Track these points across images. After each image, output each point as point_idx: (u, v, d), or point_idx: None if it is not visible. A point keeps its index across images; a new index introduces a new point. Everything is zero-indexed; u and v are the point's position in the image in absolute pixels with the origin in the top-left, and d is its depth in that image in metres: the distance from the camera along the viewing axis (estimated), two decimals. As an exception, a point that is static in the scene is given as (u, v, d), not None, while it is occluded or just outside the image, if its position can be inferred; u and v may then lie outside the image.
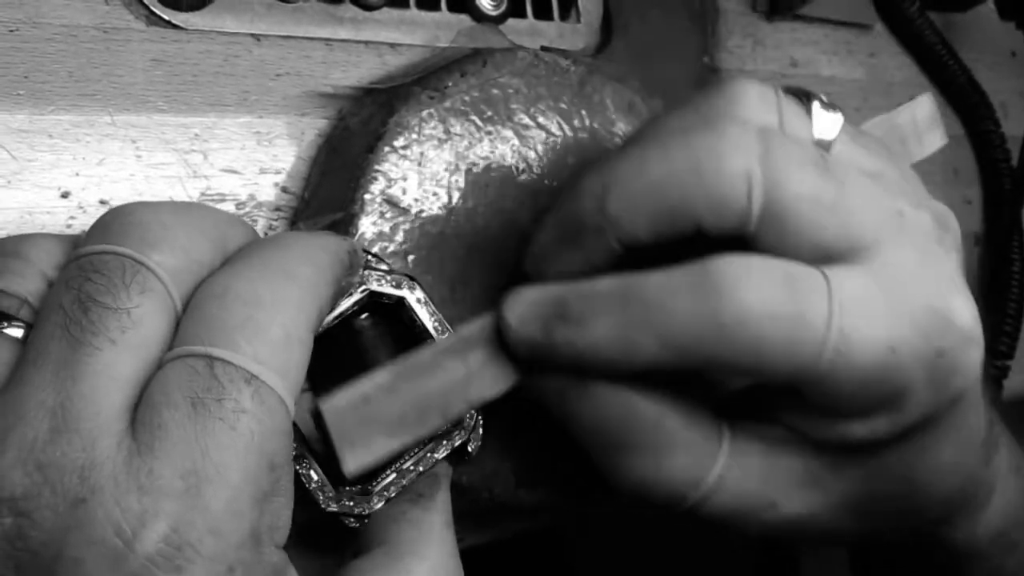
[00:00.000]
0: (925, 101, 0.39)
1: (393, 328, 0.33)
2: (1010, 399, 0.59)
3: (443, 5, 0.41)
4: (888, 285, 0.28)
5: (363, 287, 0.30)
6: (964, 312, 0.30)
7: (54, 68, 0.33)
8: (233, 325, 0.24)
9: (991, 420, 0.35)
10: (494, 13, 0.42)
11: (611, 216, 0.29)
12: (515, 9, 0.43)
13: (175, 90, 0.35)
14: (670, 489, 0.31)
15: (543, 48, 0.42)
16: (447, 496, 0.31)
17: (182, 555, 0.22)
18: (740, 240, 0.29)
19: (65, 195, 0.33)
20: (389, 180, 0.35)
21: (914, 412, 0.30)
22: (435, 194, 0.36)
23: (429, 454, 0.31)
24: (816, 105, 0.31)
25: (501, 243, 0.37)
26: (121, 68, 0.34)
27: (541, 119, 0.39)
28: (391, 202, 0.35)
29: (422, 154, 0.36)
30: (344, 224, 0.34)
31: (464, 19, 0.41)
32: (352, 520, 0.29)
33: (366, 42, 0.39)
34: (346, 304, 0.30)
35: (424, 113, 0.36)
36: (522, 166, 0.38)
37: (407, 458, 0.31)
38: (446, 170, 0.36)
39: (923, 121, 0.39)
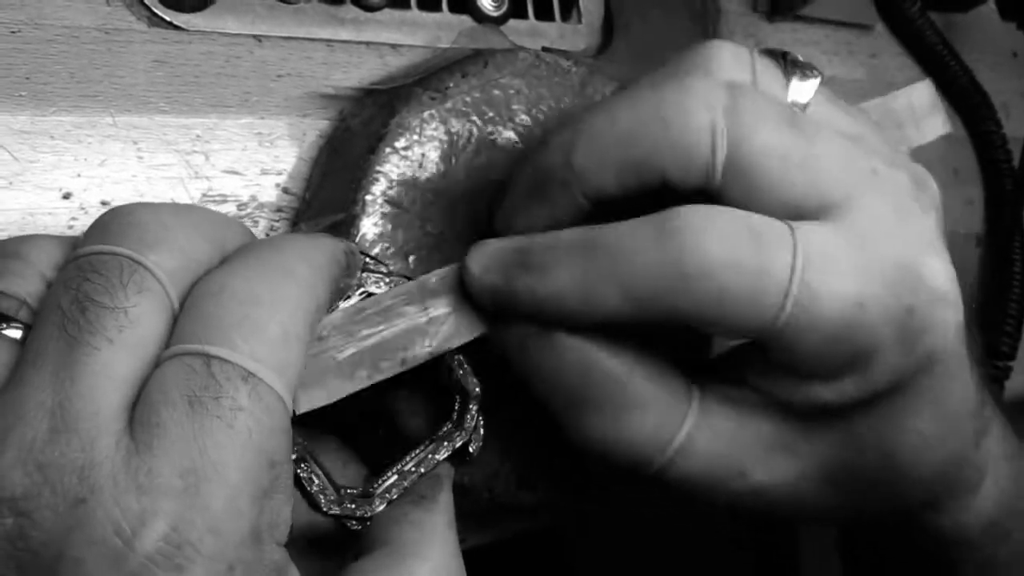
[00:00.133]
0: (923, 87, 0.39)
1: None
2: (1012, 400, 0.59)
3: (444, 6, 0.41)
4: (858, 241, 0.28)
5: (361, 289, 0.30)
6: (938, 271, 0.29)
7: (56, 69, 0.33)
8: (230, 323, 0.24)
9: (982, 401, 0.34)
10: (495, 14, 0.42)
11: (577, 168, 0.29)
12: (516, 10, 0.43)
13: (177, 91, 0.35)
14: (635, 449, 0.30)
15: (544, 49, 0.42)
16: (449, 497, 0.31)
17: (182, 554, 0.22)
18: (708, 196, 0.28)
19: (67, 196, 0.33)
20: (390, 181, 0.35)
21: (883, 373, 0.29)
22: (436, 195, 0.36)
23: (430, 455, 0.31)
24: (792, 64, 0.31)
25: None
26: (123, 69, 0.34)
27: (542, 119, 0.39)
28: (392, 203, 0.35)
29: (423, 155, 0.36)
30: (345, 225, 0.34)
31: (465, 20, 0.41)
32: (354, 523, 0.29)
33: (367, 43, 0.39)
34: (344, 307, 0.30)
35: (425, 114, 0.36)
36: (523, 167, 0.38)
37: (408, 460, 0.31)
38: (447, 171, 0.36)
39: (921, 107, 0.38)
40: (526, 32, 0.43)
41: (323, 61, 0.38)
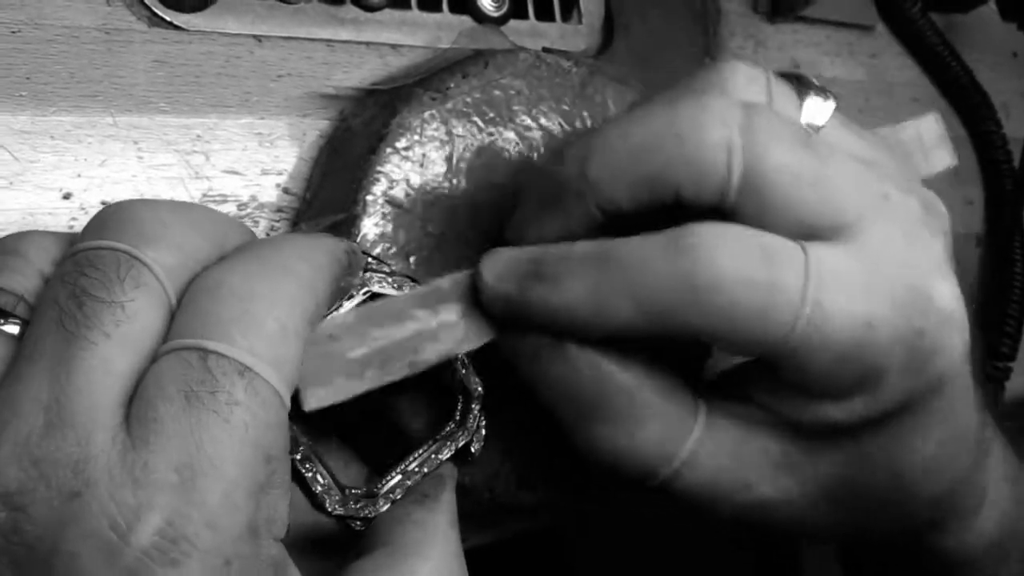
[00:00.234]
0: (931, 119, 0.39)
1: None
2: (1012, 401, 0.59)
3: (445, 6, 0.41)
4: (869, 263, 0.28)
5: (365, 289, 0.30)
6: (947, 295, 0.29)
7: (56, 69, 0.33)
8: (227, 318, 0.24)
9: (983, 422, 0.34)
10: (496, 14, 0.42)
11: (592, 180, 0.29)
12: (517, 10, 0.43)
13: (177, 91, 0.35)
14: (641, 461, 0.30)
15: (545, 49, 0.42)
16: (452, 497, 0.31)
17: (178, 548, 0.22)
18: (720, 214, 0.28)
19: (67, 196, 0.33)
20: (391, 181, 0.35)
21: (892, 394, 0.29)
22: (437, 195, 0.36)
23: (433, 455, 0.31)
24: (807, 88, 0.31)
25: (503, 244, 0.37)
26: (123, 69, 0.34)
27: (543, 120, 0.39)
28: (393, 203, 0.35)
29: (424, 155, 0.36)
30: (346, 225, 0.34)
31: (466, 20, 0.41)
32: (358, 523, 0.29)
33: (368, 43, 0.39)
34: (348, 306, 0.30)
35: (426, 114, 0.36)
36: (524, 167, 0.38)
37: (411, 459, 0.31)
38: (448, 171, 0.36)
39: (929, 138, 0.39)
40: (526, 32, 0.43)
41: (323, 61, 0.38)
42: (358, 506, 0.29)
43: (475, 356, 0.32)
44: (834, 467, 0.31)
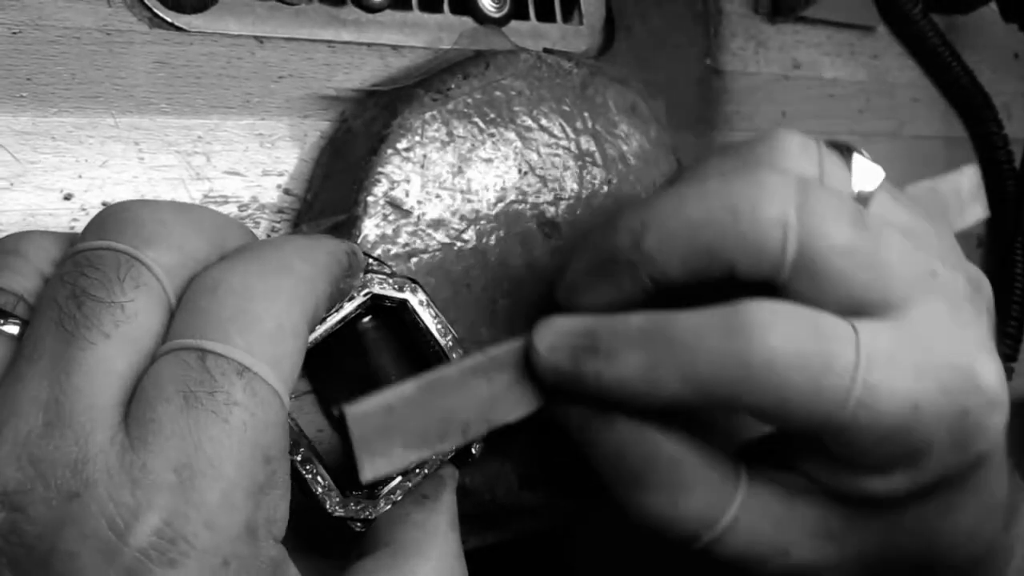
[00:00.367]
0: (970, 172, 0.39)
1: (397, 330, 0.33)
2: (1013, 401, 0.59)
3: (446, 7, 0.41)
4: (916, 341, 0.29)
5: (365, 290, 0.30)
6: (991, 374, 0.30)
7: (57, 70, 0.33)
8: (225, 317, 0.24)
9: (1014, 486, 0.35)
10: (497, 15, 0.42)
11: (646, 252, 0.29)
12: (518, 11, 0.43)
13: (178, 92, 0.35)
14: (685, 527, 0.31)
15: (545, 50, 0.42)
16: (452, 498, 0.31)
17: (176, 548, 0.22)
18: (772, 287, 0.29)
19: (68, 197, 0.33)
20: (392, 182, 0.35)
21: (934, 470, 0.30)
22: (438, 196, 0.36)
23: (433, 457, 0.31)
24: (857, 158, 0.32)
25: (504, 245, 0.37)
26: (124, 70, 0.34)
27: (544, 121, 0.39)
28: (394, 204, 0.35)
29: (425, 156, 0.36)
30: (347, 226, 0.34)
31: (467, 21, 0.41)
32: (358, 524, 0.29)
33: (369, 44, 0.39)
34: (349, 307, 0.30)
35: (427, 115, 0.36)
36: (524, 168, 0.38)
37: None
38: (449, 172, 0.36)
39: (967, 191, 0.39)
40: (527, 33, 0.43)
41: (324, 62, 0.38)
42: (358, 507, 0.29)
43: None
44: (873, 537, 0.32)
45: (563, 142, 0.39)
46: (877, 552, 0.32)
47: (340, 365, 0.33)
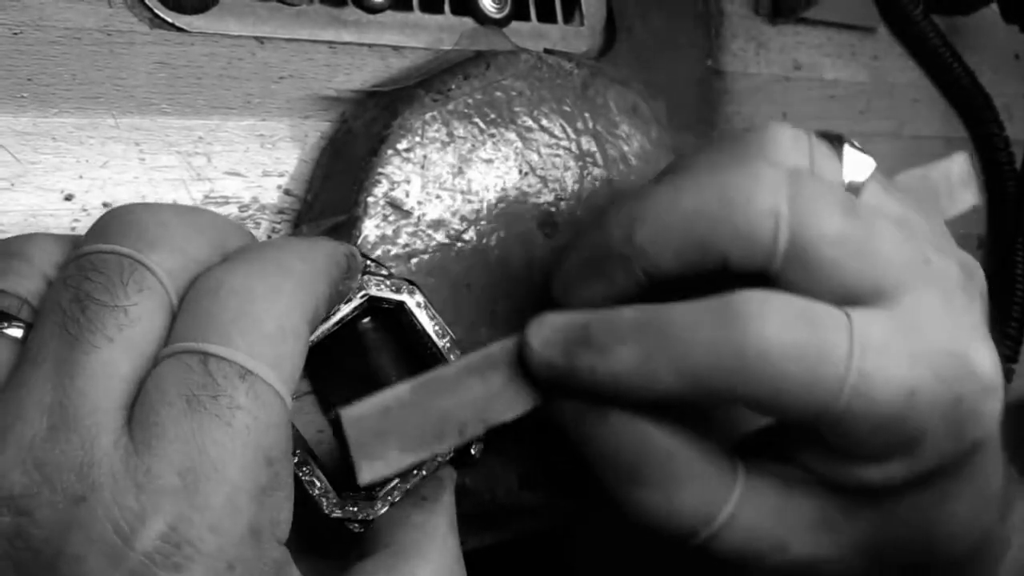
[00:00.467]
0: (960, 159, 0.39)
1: (396, 331, 0.33)
2: (1014, 402, 0.59)
3: (446, 8, 0.41)
4: (910, 329, 0.29)
5: (363, 292, 0.30)
6: (985, 360, 0.30)
7: (58, 71, 0.33)
8: (226, 319, 0.24)
9: (1009, 476, 0.35)
10: (497, 16, 0.42)
11: (639, 246, 0.29)
12: (518, 12, 0.43)
13: (179, 93, 0.35)
14: (681, 523, 0.31)
15: (546, 51, 0.42)
16: (451, 499, 0.31)
17: (181, 553, 0.22)
18: (765, 278, 0.29)
19: (69, 198, 0.33)
20: (392, 183, 0.35)
21: (930, 458, 0.30)
22: (438, 197, 0.36)
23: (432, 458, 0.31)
24: (847, 149, 0.32)
25: (504, 246, 0.37)
26: (125, 71, 0.34)
27: (544, 121, 0.39)
28: (394, 205, 0.35)
29: (425, 157, 0.36)
30: (347, 227, 0.34)
31: (467, 22, 0.41)
32: (356, 525, 0.29)
33: (369, 45, 0.39)
34: (347, 309, 0.30)
35: (427, 116, 0.36)
36: (525, 169, 0.38)
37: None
38: (449, 173, 0.36)
39: (957, 178, 0.39)
40: (528, 34, 0.43)
41: (325, 63, 0.38)
42: (355, 509, 0.29)
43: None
44: (871, 527, 0.32)
45: (564, 143, 0.39)
46: (875, 543, 0.32)
47: (340, 366, 0.33)
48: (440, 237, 0.36)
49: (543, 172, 0.38)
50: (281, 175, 0.36)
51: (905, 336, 0.29)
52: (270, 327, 0.25)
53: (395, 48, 0.39)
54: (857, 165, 0.32)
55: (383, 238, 0.34)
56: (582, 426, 0.32)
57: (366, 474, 0.28)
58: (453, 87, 0.37)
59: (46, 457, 0.22)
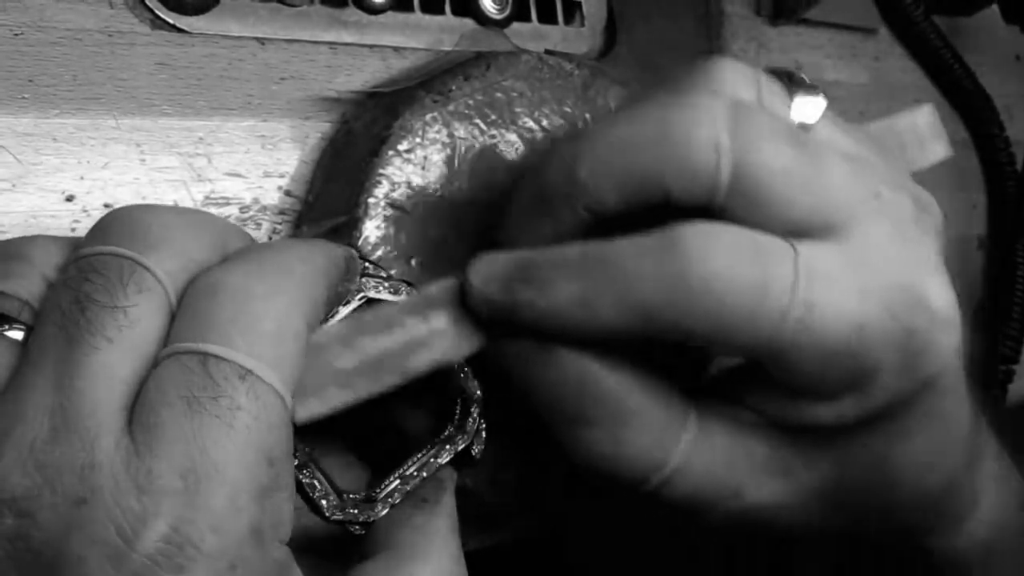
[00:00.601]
0: (927, 110, 0.39)
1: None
2: (1016, 403, 0.59)
3: (447, 9, 0.41)
4: (859, 262, 0.28)
5: (361, 294, 0.30)
6: (939, 294, 0.29)
7: (59, 72, 0.33)
8: (226, 319, 0.24)
9: (977, 425, 0.34)
10: (498, 17, 0.42)
11: (579, 182, 0.29)
12: (519, 13, 0.43)
13: (179, 94, 0.35)
14: (631, 467, 0.30)
15: (547, 51, 0.42)
16: (452, 500, 0.31)
17: (183, 554, 0.22)
18: (710, 214, 0.28)
19: (70, 199, 0.33)
20: (393, 184, 0.35)
21: (883, 394, 0.29)
22: (439, 198, 0.36)
23: (432, 459, 0.31)
24: (797, 86, 0.31)
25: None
26: (126, 72, 0.34)
27: (545, 122, 0.39)
28: (395, 206, 0.35)
29: (426, 158, 0.36)
30: (348, 228, 0.34)
31: (468, 23, 0.41)
32: (357, 527, 0.29)
33: (370, 46, 0.39)
34: (345, 311, 0.30)
35: (428, 117, 0.36)
36: (526, 170, 0.38)
37: (410, 463, 0.31)
38: (450, 173, 0.36)
39: (925, 129, 0.39)
40: (529, 35, 0.43)
41: (326, 64, 0.38)
42: (356, 511, 0.29)
43: (473, 360, 0.32)
44: (825, 468, 0.31)
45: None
46: (832, 485, 0.31)
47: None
48: (441, 238, 0.36)
49: (544, 173, 0.38)
50: (282, 176, 0.36)
51: (854, 269, 0.28)
52: (269, 327, 0.25)
53: (396, 49, 0.39)
54: (807, 101, 0.31)
55: (384, 239, 0.34)
56: (526, 366, 0.31)
57: (300, 412, 0.27)
58: (454, 88, 0.37)
59: (47, 459, 0.22)
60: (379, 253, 0.34)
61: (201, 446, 0.23)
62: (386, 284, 0.31)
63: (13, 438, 0.22)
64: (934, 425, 0.31)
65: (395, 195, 0.35)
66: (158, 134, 0.34)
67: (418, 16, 0.40)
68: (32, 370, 0.23)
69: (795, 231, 0.28)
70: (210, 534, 0.22)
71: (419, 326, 0.30)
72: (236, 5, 0.36)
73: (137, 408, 0.23)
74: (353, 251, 0.30)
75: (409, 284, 0.31)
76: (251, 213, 0.36)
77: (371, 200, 0.35)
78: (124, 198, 0.33)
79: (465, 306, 0.31)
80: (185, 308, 0.25)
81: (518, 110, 0.38)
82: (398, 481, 0.30)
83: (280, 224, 0.36)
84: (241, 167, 0.36)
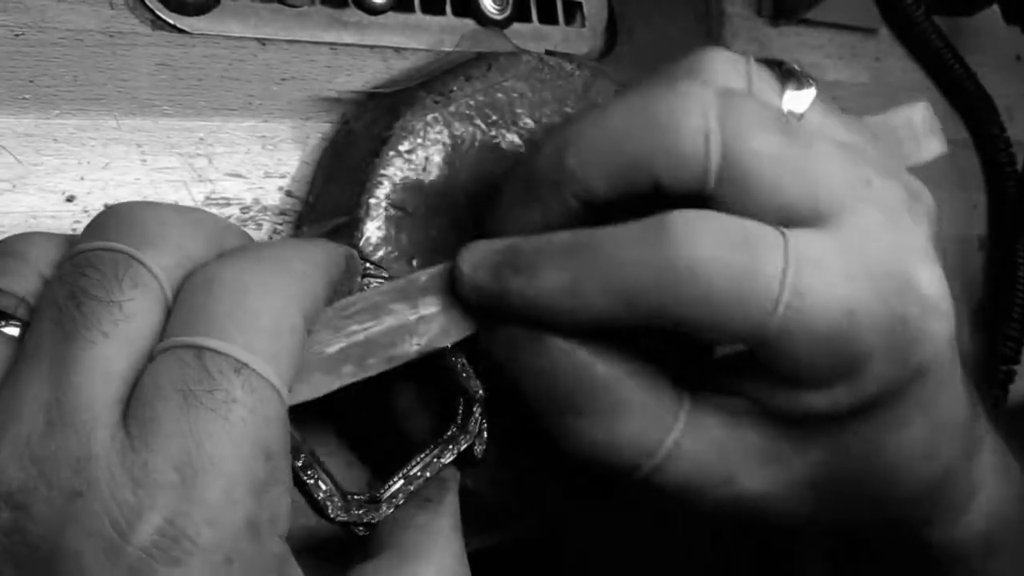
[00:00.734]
0: (922, 106, 0.39)
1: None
2: (1016, 404, 0.59)
3: (448, 9, 0.41)
4: (850, 249, 0.28)
5: None
6: (930, 281, 0.29)
7: (59, 72, 0.33)
8: (221, 313, 0.24)
9: (974, 415, 0.34)
10: (499, 17, 0.42)
11: (568, 170, 0.29)
12: (520, 13, 0.43)
13: (180, 94, 0.35)
14: (622, 454, 0.30)
15: (548, 52, 0.42)
16: (455, 500, 0.31)
17: (179, 547, 0.22)
18: (700, 201, 0.28)
19: (70, 199, 0.33)
20: (394, 184, 0.35)
21: (874, 382, 0.29)
22: (440, 198, 0.36)
23: (436, 459, 0.31)
24: (787, 75, 0.31)
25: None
26: (126, 72, 0.34)
27: (546, 123, 0.39)
28: (396, 206, 0.35)
29: (427, 158, 0.36)
30: (349, 228, 0.34)
31: (469, 23, 0.41)
32: (361, 529, 0.29)
33: (371, 46, 0.39)
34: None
35: (429, 117, 0.36)
36: (527, 170, 0.38)
37: (414, 464, 0.31)
38: (451, 174, 0.36)
39: (921, 125, 0.39)
40: (530, 35, 0.43)
41: (327, 64, 0.38)
42: (360, 512, 0.29)
43: (475, 360, 0.32)
44: (818, 457, 0.31)
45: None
46: (825, 475, 0.31)
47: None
48: (441, 239, 0.36)
49: (545, 173, 0.38)
50: (283, 177, 0.36)
51: (844, 256, 0.28)
52: (266, 321, 0.25)
53: (396, 49, 0.39)
54: (799, 89, 0.31)
55: (385, 240, 0.34)
56: (516, 354, 0.31)
57: (289, 398, 0.28)
58: (455, 88, 0.37)
59: (43, 453, 0.22)
60: (380, 254, 0.34)
61: (196, 439, 0.23)
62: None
63: (9, 433, 0.22)
64: (927, 414, 0.31)
65: (396, 196, 0.35)
66: (159, 135, 0.34)
67: (419, 17, 0.40)
68: (28, 365, 0.23)
69: (785, 218, 0.28)
70: (205, 527, 0.22)
71: (407, 312, 0.30)
72: (237, 6, 0.36)
73: (133, 402, 0.23)
74: (354, 251, 0.30)
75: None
76: (252, 214, 0.36)
77: (372, 201, 0.35)
78: (125, 199, 0.33)
79: (454, 293, 0.31)
80: (181, 302, 0.25)
81: (519, 111, 0.38)
82: (402, 481, 0.30)
83: (281, 225, 0.36)
84: (242, 168, 0.36)
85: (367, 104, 0.38)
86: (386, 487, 0.30)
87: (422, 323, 0.30)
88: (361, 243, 0.34)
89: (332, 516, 0.29)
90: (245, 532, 0.23)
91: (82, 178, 0.33)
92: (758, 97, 0.30)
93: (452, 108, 0.37)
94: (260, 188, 0.36)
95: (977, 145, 0.61)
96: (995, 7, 0.59)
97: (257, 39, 0.36)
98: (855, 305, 0.28)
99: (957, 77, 0.59)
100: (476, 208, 0.37)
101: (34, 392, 0.23)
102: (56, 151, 0.32)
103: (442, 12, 0.41)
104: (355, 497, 0.29)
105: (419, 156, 0.36)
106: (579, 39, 0.45)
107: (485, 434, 0.32)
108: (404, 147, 0.35)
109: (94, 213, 0.32)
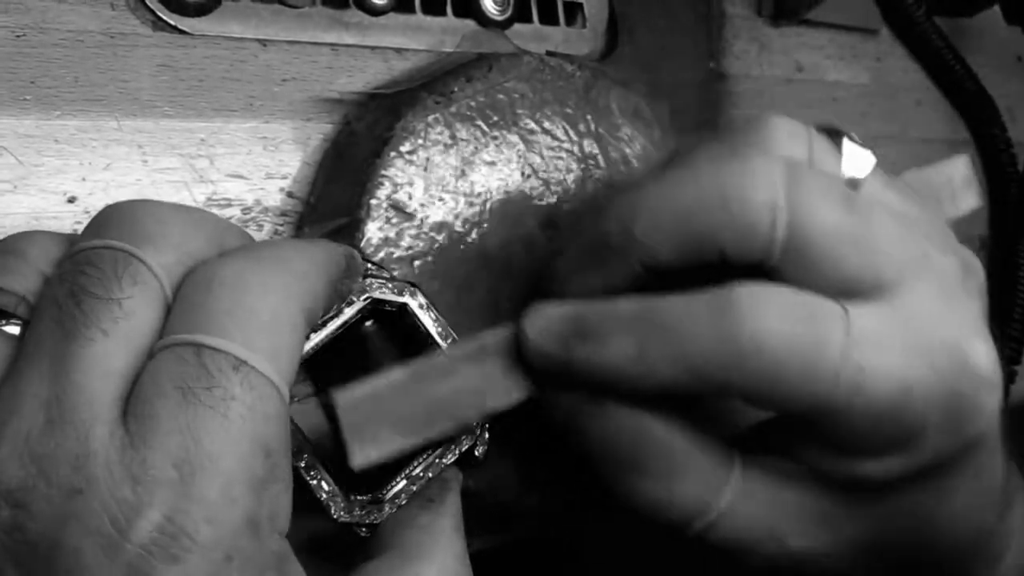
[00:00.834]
0: (962, 162, 0.40)
1: (398, 334, 0.33)
2: (1017, 404, 0.59)
3: (449, 10, 0.41)
4: (907, 323, 0.29)
5: (365, 294, 0.30)
6: (983, 356, 0.30)
7: (60, 73, 0.33)
8: (220, 310, 0.24)
9: (1008, 473, 0.34)
10: (500, 18, 0.42)
11: (636, 238, 0.29)
12: (521, 14, 0.43)
13: (181, 95, 0.35)
14: (679, 513, 0.31)
15: (549, 53, 0.42)
16: (457, 500, 0.31)
17: (178, 544, 0.22)
18: (763, 270, 0.29)
19: (71, 200, 0.33)
20: (395, 185, 0.35)
21: (928, 453, 0.29)
22: (441, 199, 0.36)
23: (437, 460, 0.31)
24: (847, 143, 0.32)
25: (507, 248, 0.37)
26: (127, 73, 0.34)
27: (547, 124, 0.39)
28: (397, 207, 0.35)
29: (428, 159, 0.36)
30: (350, 229, 0.34)
31: (470, 24, 0.41)
32: (363, 529, 0.29)
33: (372, 47, 0.39)
34: (350, 312, 0.30)
35: (430, 118, 0.36)
36: (527, 171, 0.38)
37: (416, 464, 0.31)
38: (452, 175, 0.36)
39: (959, 180, 0.39)
40: (530, 36, 0.43)
41: (327, 65, 0.38)
42: (363, 512, 0.29)
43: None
44: (867, 522, 0.32)
45: (566, 145, 0.39)
46: (870, 538, 0.32)
47: (344, 370, 0.33)
48: (443, 239, 0.36)
49: (545, 174, 0.38)
50: (284, 177, 0.36)
51: (902, 330, 0.28)
52: (265, 319, 0.25)
53: (397, 50, 0.39)
54: (856, 159, 0.31)
55: (386, 240, 0.34)
56: (578, 418, 0.31)
57: (359, 457, 0.28)
58: (456, 89, 0.37)
59: (42, 450, 0.22)
60: (381, 254, 0.34)
61: (195, 437, 0.23)
62: (389, 285, 0.31)
63: (8, 430, 0.22)
64: (973, 482, 0.32)
65: (397, 196, 0.35)
66: (160, 136, 0.34)
67: (420, 17, 0.40)
68: (27, 363, 0.23)
69: (845, 291, 0.28)
70: (204, 524, 0.22)
71: (473, 374, 0.31)
72: (238, 7, 0.36)
73: (132, 399, 0.23)
74: (354, 250, 0.30)
75: (413, 284, 0.31)
76: (253, 215, 0.36)
77: (373, 201, 0.35)
78: (126, 199, 0.33)
79: (518, 356, 0.31)
80: (181, 300, 0.25)
81: (520, 111, 0.38)
82: (404, 482, 0.30)
83: (282, 226, 0.36)
84: (243, 168, 0.36)
85: (368, 105, 0.38)
86: (388, 487, 0.30)
87: (487, 385, 0.31)
88: (362, 243, 0.34)
89: (335, 516, 0.29)
90: (244, 529, 0.23)
91: (83, 179, 0.33)
92: (819, 167, 0.31)
93: (453, 109, 0.37)
94: (261, 189, 0.36)
95: (978, 146, 0.61)
96: (996, 8, 0.59)
97: (258, 40, 0.36)
98: (912, 381, 0.28)
99: (958, 78, 0.59)
100: (477, 208, 0.37)
101: (34, 390, 0.23)
102: (57, 152, 0.32)
103: (443, 13, 0.41)
104: (358, 497, 0.29)
105: (420, 156, 0.36)
106: (580, 40, 0.45)
107: (487, 435, 0.32)
108: (405, 148, 0.35)
109: (95, 214, 0.32)
